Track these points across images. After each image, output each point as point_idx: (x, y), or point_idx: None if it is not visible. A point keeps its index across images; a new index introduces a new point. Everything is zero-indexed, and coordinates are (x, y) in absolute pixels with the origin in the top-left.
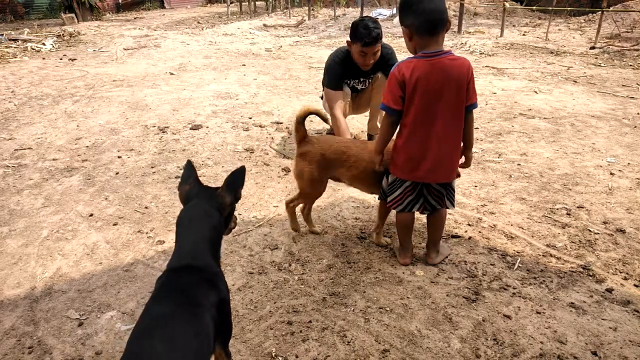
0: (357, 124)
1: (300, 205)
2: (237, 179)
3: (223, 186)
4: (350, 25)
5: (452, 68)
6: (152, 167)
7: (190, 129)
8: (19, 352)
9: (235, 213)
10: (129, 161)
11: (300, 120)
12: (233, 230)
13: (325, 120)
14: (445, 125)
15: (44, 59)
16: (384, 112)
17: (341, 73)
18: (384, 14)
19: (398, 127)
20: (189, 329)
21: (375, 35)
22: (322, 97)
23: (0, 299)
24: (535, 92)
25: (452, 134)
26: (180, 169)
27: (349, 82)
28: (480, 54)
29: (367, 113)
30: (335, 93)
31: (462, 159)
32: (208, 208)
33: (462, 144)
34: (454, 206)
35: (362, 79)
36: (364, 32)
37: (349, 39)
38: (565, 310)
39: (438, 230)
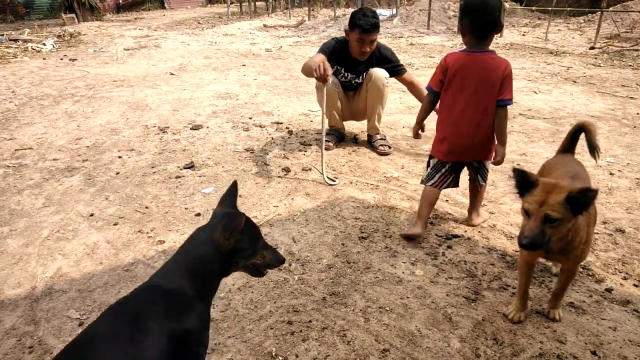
0: (356, 124)
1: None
2: (234, 224)
3: (223, 226)
4: None
5: (489, 65)
6: (153, 167)
7: (191, 129)
8: (19, 351)
9: (267, 254)
10: (130, 161)
11: (573, 134)
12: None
13: (593, 146)
14: (477, 114)
15: (44, 59)
16: (381, 111)
17: (336, 49)
18: (384, 14)
19: (439, 110)
20: (120, 352)
21: (373, 23)
22: (316, 88)
23: (0, 298)
24: (535, 92)
25: (483, 122)
26: (181, 169)
27: (345, 75)
28: None
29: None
30: (317, 54)
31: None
32: (206, 238)
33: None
34: (485, 182)
35: (357, 72)
36: (363, 19)
37: (347, 27)
38: (565, 310)
39: (479, 197)
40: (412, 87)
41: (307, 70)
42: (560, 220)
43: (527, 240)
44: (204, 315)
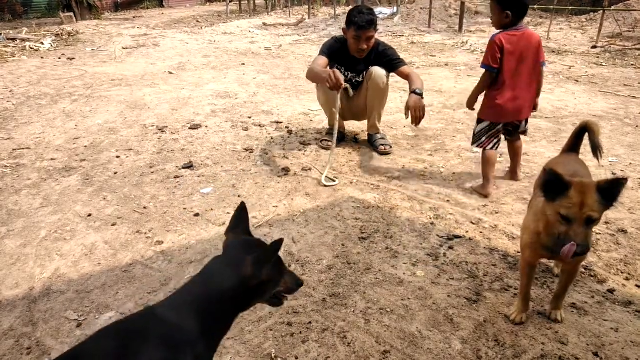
0: (356, 124)
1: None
2: (268, 254)
3: (254, 258)
4: None
5: (531, 37)
6: (151, 167)
7: (190, 128)
8: (17, 352)
9: (288, 279)
10: (128, 161)
11: (577, 134)
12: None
13: (596, 146)
14: (527, 78)
15: (42, 58)
16: (381, 111)
17: (335, 48)
18: (384, 12)
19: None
20: None
21: (368, 20)
22: (317, 87)
23: None
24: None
25: (531, 84)
26: (180, 169)
27: (346, 74)
28: (482, 53)
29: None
30: (320, 56)
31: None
32: (230, 271)
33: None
34: (526, 134)
35: (357, 70)
36: (358, 17)
37: (344, 26)
38: (567, 311)
39: (519, 155)
40: (408, 79)
41: (314, 77)
42: (599, 218)
43: (583, 248)
44: (201, 356)
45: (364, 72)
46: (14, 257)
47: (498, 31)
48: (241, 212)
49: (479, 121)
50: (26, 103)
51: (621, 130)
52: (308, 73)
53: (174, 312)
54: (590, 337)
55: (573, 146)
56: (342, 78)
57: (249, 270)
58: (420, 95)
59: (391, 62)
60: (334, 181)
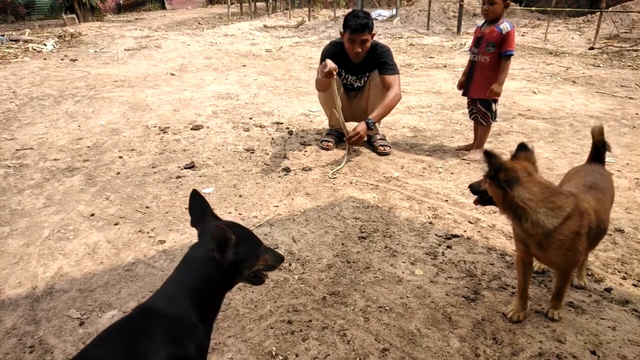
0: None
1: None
2: (219, 238)
3: (213, 242)
4: None
5: None
6: (153, 167)
7: (191, 129)
8: (20, 351)
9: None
10: (130, 161)
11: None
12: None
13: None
14: None
15: (45, 59)
16: None
17: (334, 52)
18: (383, 14)
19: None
20: None
21: (362, 23)
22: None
23: (1, 298)
24: (534, 92)
25: None
26: (182, 169)
27: (346, 77)
28: None
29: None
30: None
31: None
32: (205, 256)
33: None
34: None
35: (358, 76)
36: (353, 20)
37: (341, 29)
38: (564, 310)
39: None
40: (387, 90)
41: (316, 82)
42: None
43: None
44: (203, 343)
45: (364, 77)
46: (17, 256)
47: (506, 23)
48: (199, 200)
49: (495, 101)
50: (29, 104)
51: (618, 131)
52: (315, 84)
53: (172, 304)
54: (588, 335)
55: (595, 156)
56: (330, 64)
57: (215, 254)
58: (370, 125)
59: (383, 64)
60: (348, 161)
